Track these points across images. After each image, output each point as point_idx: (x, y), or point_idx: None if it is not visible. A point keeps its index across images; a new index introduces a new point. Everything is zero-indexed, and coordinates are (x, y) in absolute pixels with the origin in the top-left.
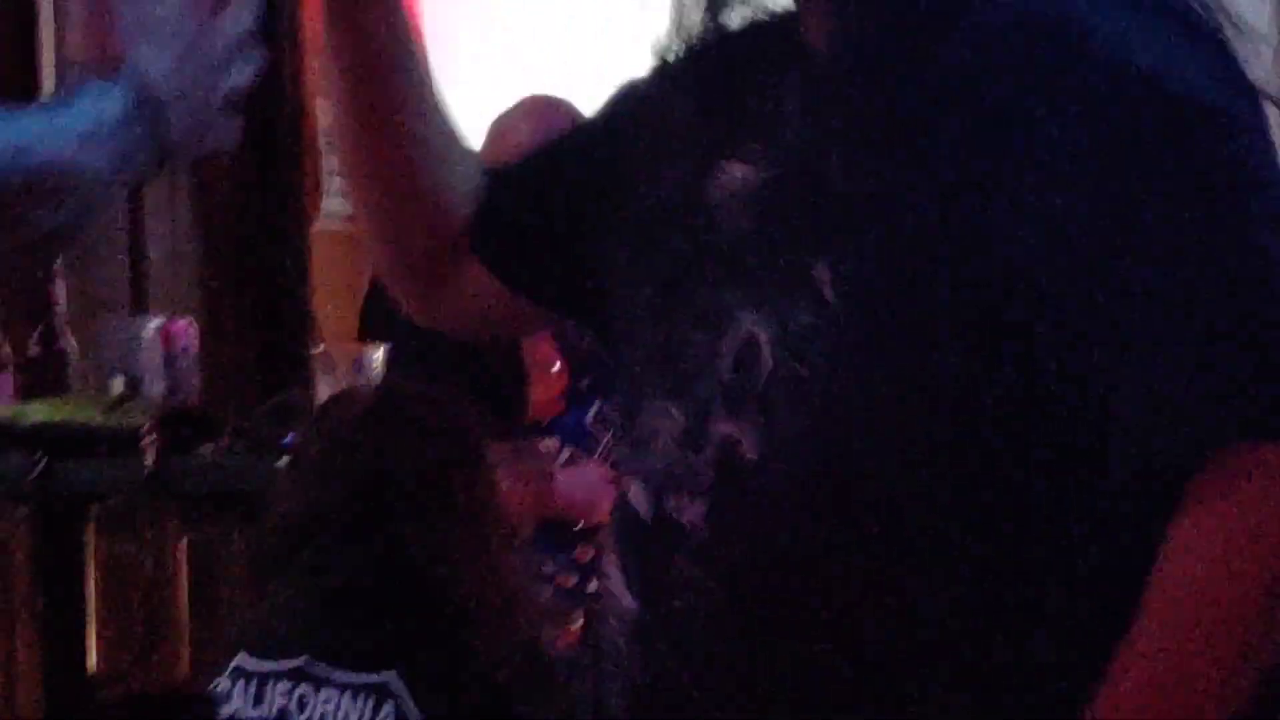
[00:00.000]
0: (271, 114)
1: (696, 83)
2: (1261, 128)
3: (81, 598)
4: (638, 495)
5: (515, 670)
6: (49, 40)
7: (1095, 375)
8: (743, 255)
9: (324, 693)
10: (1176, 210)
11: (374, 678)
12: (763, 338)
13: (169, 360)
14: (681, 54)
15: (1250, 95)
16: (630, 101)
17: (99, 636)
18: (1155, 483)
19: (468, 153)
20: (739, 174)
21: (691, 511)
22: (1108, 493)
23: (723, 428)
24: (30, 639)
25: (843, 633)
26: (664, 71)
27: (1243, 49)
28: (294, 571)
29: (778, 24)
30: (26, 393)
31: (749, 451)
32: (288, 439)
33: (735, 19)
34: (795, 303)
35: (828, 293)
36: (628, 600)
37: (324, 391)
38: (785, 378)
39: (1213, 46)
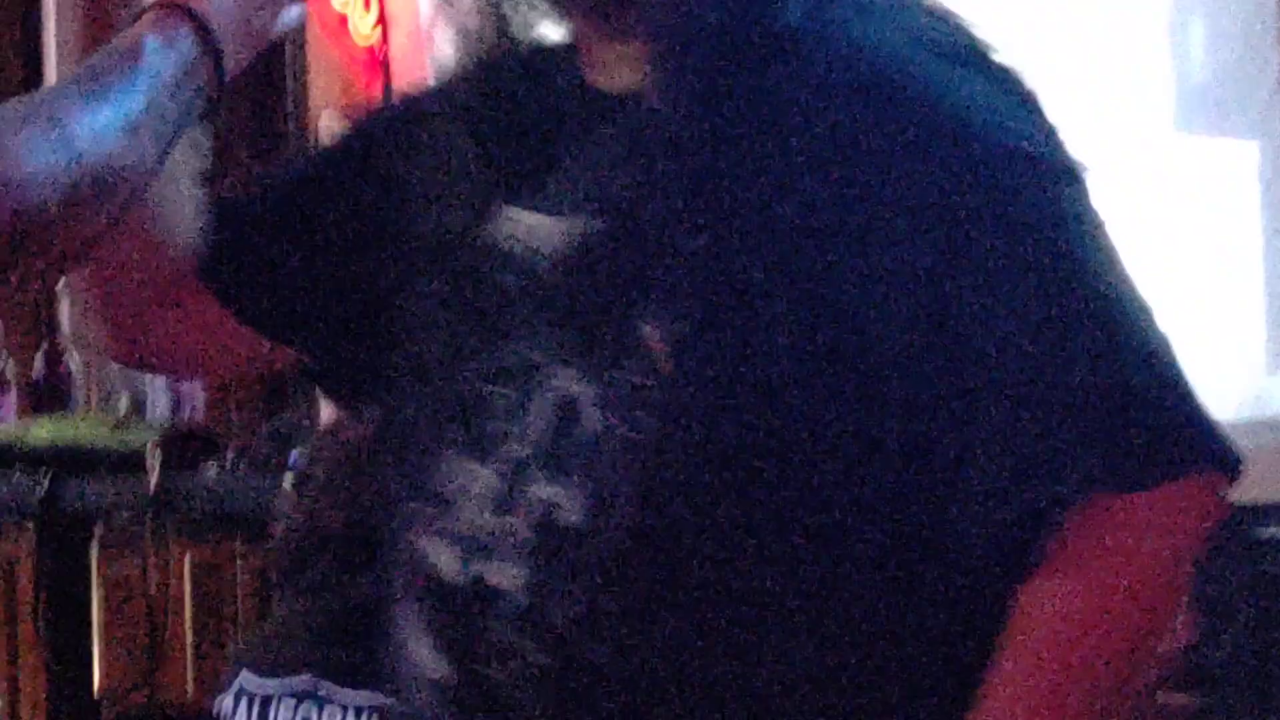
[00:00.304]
0: (274, 126)
1: (474, 120)
2: (1083, 179)
3: (86, 616)
4: (443, 556)
5: None
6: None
7: (944, 429)
8: (558, 311)
9: (327, 711)
10: (1016, 259)
11: (378, 697)
12: (584, 398)
13: (173, 380)
14: (460, 91)
15: (1066, 148)
16: (391, 128)
17: (103, 655)
18: (1010, 540)
19: (192, 175)
20: (537, 222)
21: (508, 576)
22: (960, 552)
23: (541, 491)
24: (34, 658)
25: (674, 700)
26: (437, 104)
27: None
28: (298, 591)
29: (552, 63)
30: (31, 412)
31: (571, 515)
32: (292, 459)
33: (519, 53)
34: (622, 363)
35: (658, 353)
36: (439, 666)
37: (327, 411)
38: (612, 440)
39: (1032, 102)
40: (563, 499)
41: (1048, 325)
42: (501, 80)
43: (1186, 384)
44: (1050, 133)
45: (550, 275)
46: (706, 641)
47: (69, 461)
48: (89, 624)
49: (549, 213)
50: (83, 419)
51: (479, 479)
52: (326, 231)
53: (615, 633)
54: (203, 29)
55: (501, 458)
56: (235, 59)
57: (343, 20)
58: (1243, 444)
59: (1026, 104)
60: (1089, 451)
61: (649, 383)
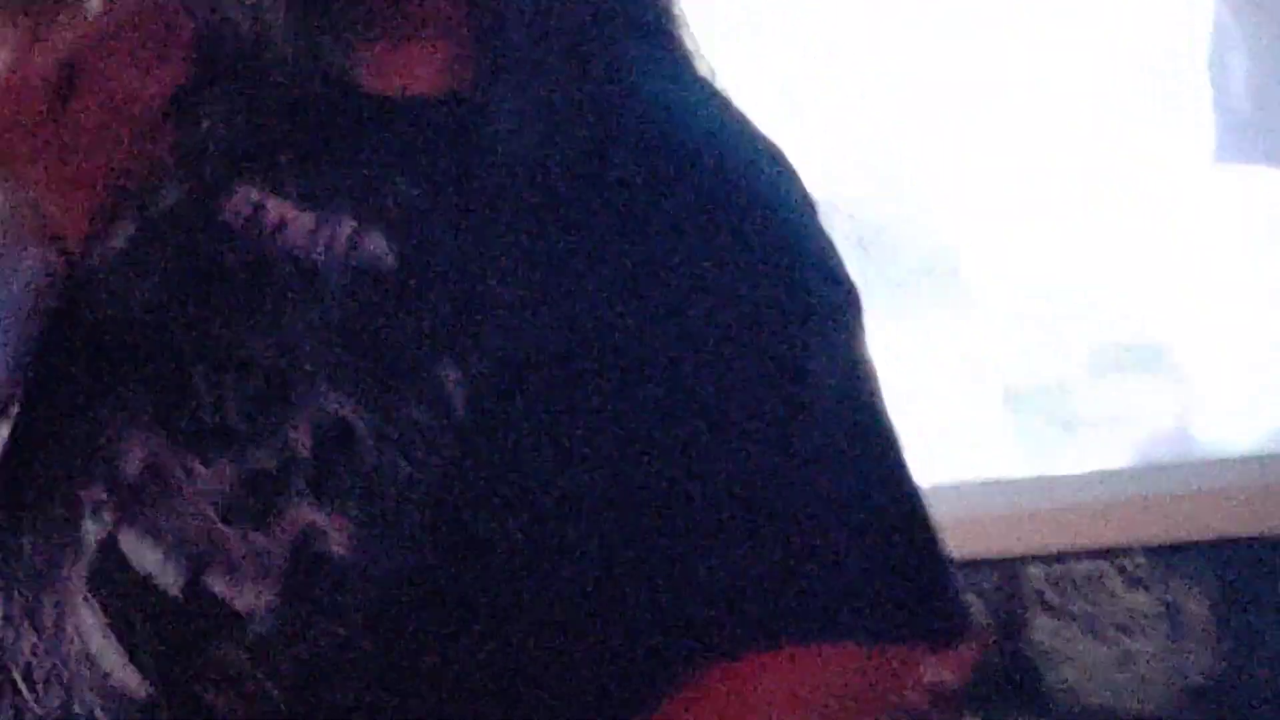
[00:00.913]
0: None
1: (223, 92)
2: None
3: None
4: (156, 560)
5: None
6: None
7: (696, 540)
8: (332, 326)
9: None
10: (807, 395)
11: None
12: (360, 426)
13: None
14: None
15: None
16: None
17: None
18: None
19: None
20: (293, 216)
21: (250, 598)
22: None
23: (305, 513)
24: None
25: None
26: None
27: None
28: None
29: (309, 47)
30: None
31: (337, 546)
32: None
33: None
34: (410, 399)
35: (454, 395)
36: (135, 682)
37: None
38: (391, 477)
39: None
40: (328, 527)
41: (809, 464)
42: (257, 54)
43: (928, 551)
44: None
45: (328, 285)
46: (453, 695)
47: None
48: None
49: (310, 208)
50: None
51: (202, 478)
52: None
53: (363, 676)
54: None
55: (237, 463)
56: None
57: None
58: (1273, 478)
59: (823, 227)
60: (813, 600)
61: (440, 424)
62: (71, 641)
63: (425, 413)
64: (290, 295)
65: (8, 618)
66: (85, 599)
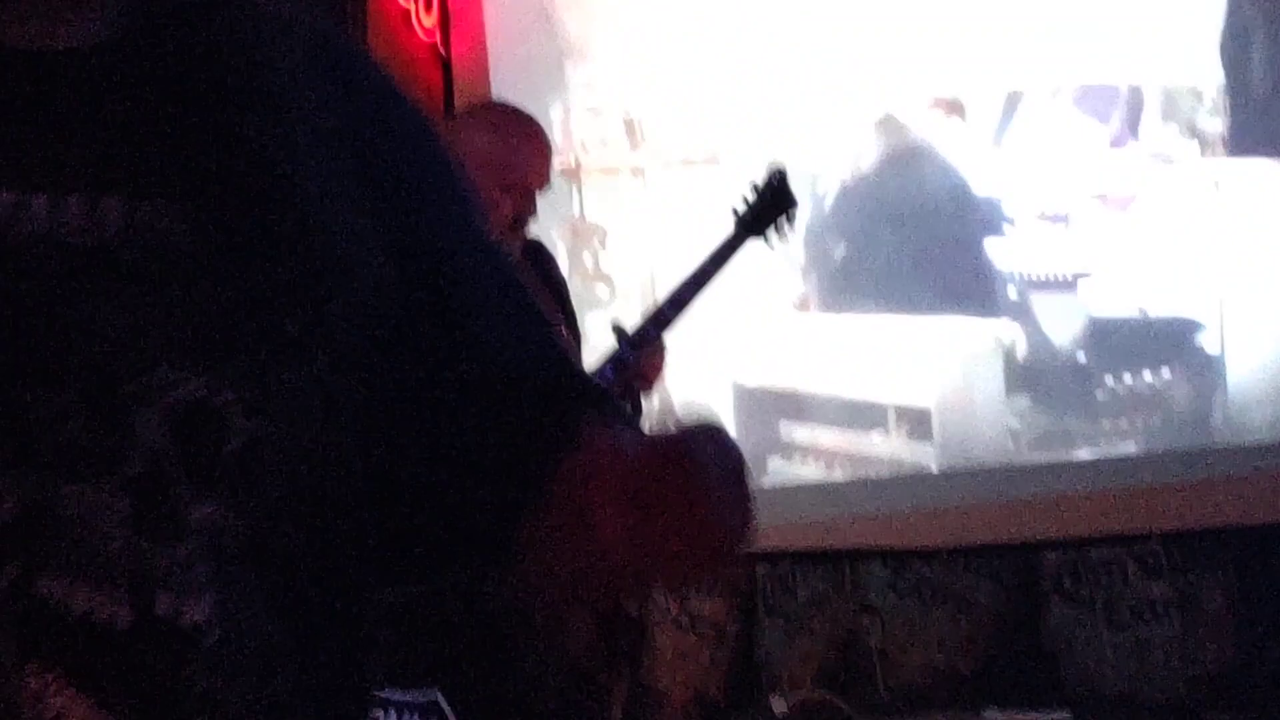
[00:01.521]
0: None
1: None
2: None
3: None
4: (82, 595)
5: (560, 693)
6: None
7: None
8: (156, 310)
9: (373, 711)
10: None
11: (422, 696)
12: (226, 406)
13: None
14: None
15: None
16: None
17: None
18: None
19: None
20: (20, 200)
21: (196, 611)
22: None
23: (202, 509)
24: None
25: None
26: None
27: None
28: None
29: None
30: None
31: (235, 536)
32: None
33: None
34: (269, 363)
35: (313, 347)
36: None
37: None
38: (267, 448)
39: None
40: (226, 516)
41: (514, 314)
42: None
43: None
44: None
45: (116, 267)
46: (351, 648)
47: None
48: None
49: (34, 190)
50: None
51: (99, 501)
52: None
53: (295, 658)
54: None
55: (120, 476)
56: None
57: (405, 16)
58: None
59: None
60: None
61: (309, 382)
62: (22, 713)
63: (292, 374)
64: (67, 287)
65: None
66: (18, 664)
